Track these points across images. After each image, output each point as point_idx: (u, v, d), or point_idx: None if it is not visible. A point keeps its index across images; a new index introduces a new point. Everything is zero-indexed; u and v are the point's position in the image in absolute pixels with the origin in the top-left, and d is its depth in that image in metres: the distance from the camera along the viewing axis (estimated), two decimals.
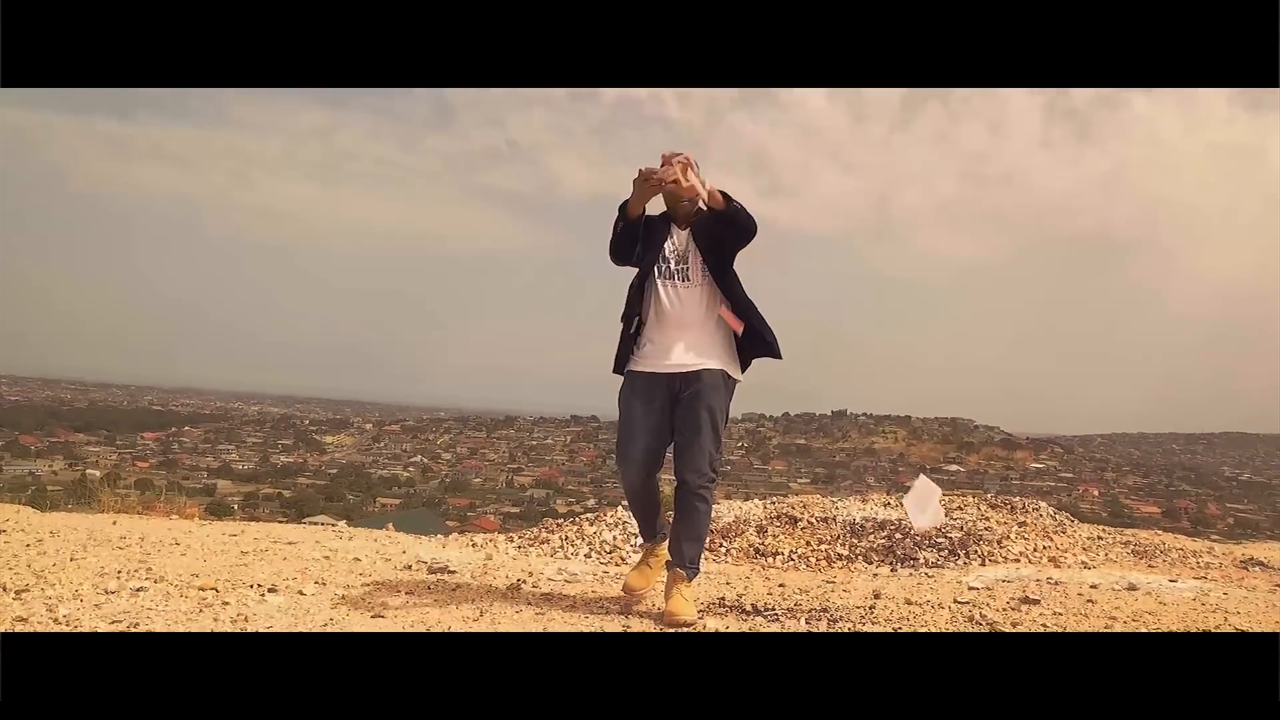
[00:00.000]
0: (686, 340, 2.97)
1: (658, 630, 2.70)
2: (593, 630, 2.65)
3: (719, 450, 2.98)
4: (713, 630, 2.71)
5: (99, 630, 2.33)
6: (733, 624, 2.81)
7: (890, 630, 2.74)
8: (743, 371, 3.09)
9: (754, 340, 3.02)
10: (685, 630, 2.74)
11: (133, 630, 2.35)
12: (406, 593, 3.10)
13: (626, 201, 2.94)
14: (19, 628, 2.32)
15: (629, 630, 2.68)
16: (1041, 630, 2.87)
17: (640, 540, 3.37)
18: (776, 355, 3.05)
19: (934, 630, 2.80)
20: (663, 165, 2.87)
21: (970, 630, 2.80)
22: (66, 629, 2.34)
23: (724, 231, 2.95)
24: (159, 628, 2.38)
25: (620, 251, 2.99)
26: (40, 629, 2.32)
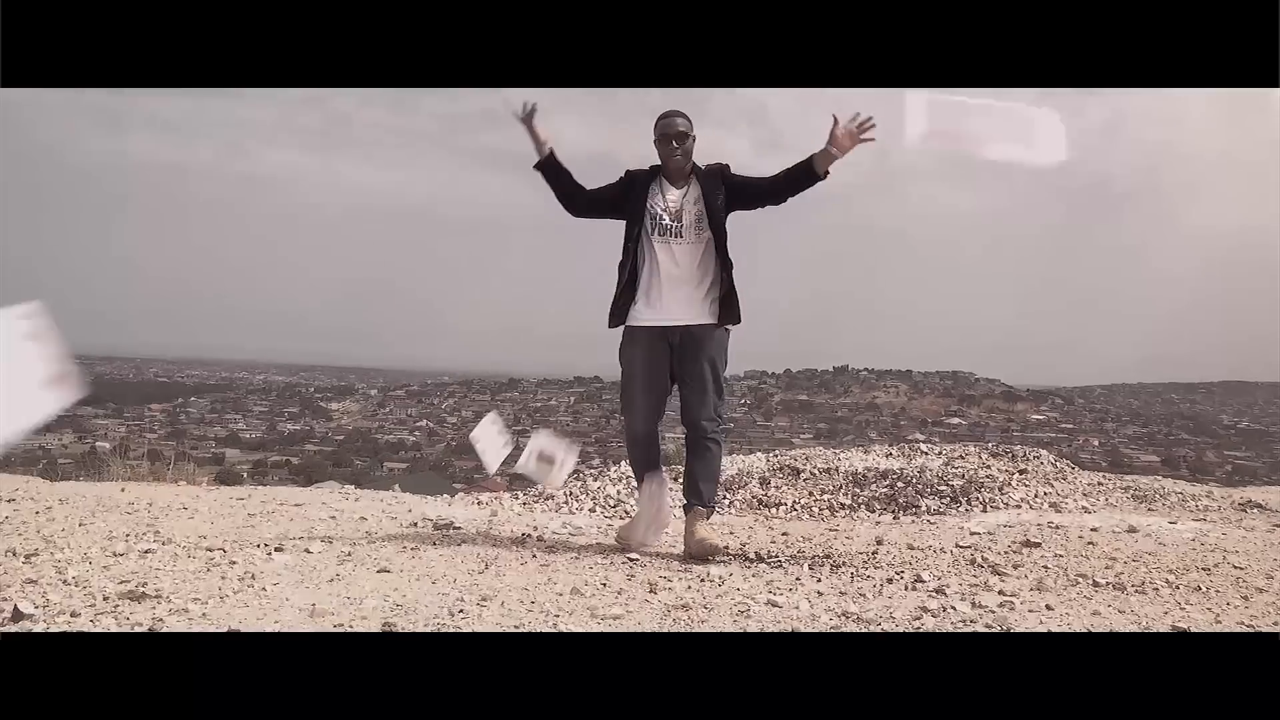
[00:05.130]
0: (683, 296, 3.06)
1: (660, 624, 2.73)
2: (599, 580, 2.68)
3: (722, 399, 3.11)
4: (716, 576, 2.73)
5: (108, 591, 2.37)
6: (736, 571, 2.84)
7: (894, 574, 2.77)
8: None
9: (729, 305, 3.08)
10: (717, 560, 2.93)
11: (138, 596, 2.38)
12: (412, 548, 3.13)
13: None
14: (29, 590, 2.35)
15: (633, 579, 2.71)
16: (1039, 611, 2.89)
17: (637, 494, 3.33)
18: (736, 321, 3.14)
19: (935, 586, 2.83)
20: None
21: (972, 571, 2.83)
22: (76, 589, 2.37)
23: (769, 192, 3.06)
24: (167, 588, 2.41)
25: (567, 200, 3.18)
26: (50, 590, 2.35)
